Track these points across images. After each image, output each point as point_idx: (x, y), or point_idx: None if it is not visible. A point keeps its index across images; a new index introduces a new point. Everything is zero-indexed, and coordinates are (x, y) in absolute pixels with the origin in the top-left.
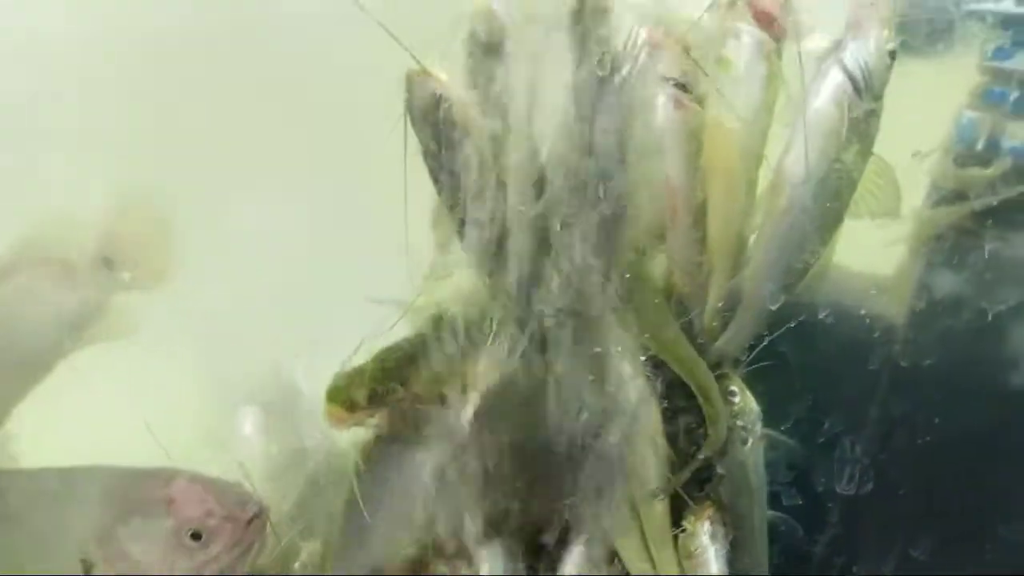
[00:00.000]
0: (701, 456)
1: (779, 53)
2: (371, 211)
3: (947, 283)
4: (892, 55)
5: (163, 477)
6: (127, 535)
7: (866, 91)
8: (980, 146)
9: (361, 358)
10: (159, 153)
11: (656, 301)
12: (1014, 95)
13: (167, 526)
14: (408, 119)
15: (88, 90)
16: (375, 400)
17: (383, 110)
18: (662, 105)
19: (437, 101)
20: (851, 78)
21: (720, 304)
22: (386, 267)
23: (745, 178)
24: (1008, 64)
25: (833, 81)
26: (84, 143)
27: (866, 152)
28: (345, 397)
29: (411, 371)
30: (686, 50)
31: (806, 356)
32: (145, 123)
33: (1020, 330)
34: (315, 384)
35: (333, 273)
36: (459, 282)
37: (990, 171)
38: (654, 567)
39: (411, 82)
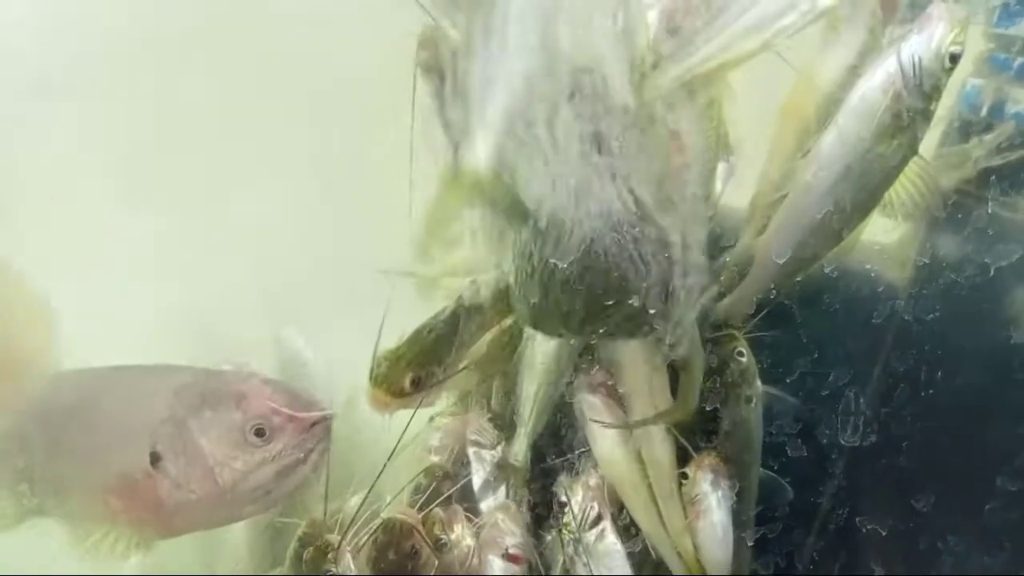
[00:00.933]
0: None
1: (883, 32)
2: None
3: (950, 242)
4: (953, 59)
5: (240, 375)
6: (197, 426)
7: (916, 87)
8: (984, 112)
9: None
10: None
11: None
12: (1018, 61)
13: (235, 419)
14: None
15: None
16: (417, 384)
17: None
18: None
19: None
20: (903, 70)
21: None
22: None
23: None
24: (1012, 30)
25: (885, 69)
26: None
27: (908, 149)
28: (391, 383)
29: (445, 352)
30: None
31: (812, 313)
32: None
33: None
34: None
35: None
36: (466, 252)
37: (992, 136)
38: (661, 518)
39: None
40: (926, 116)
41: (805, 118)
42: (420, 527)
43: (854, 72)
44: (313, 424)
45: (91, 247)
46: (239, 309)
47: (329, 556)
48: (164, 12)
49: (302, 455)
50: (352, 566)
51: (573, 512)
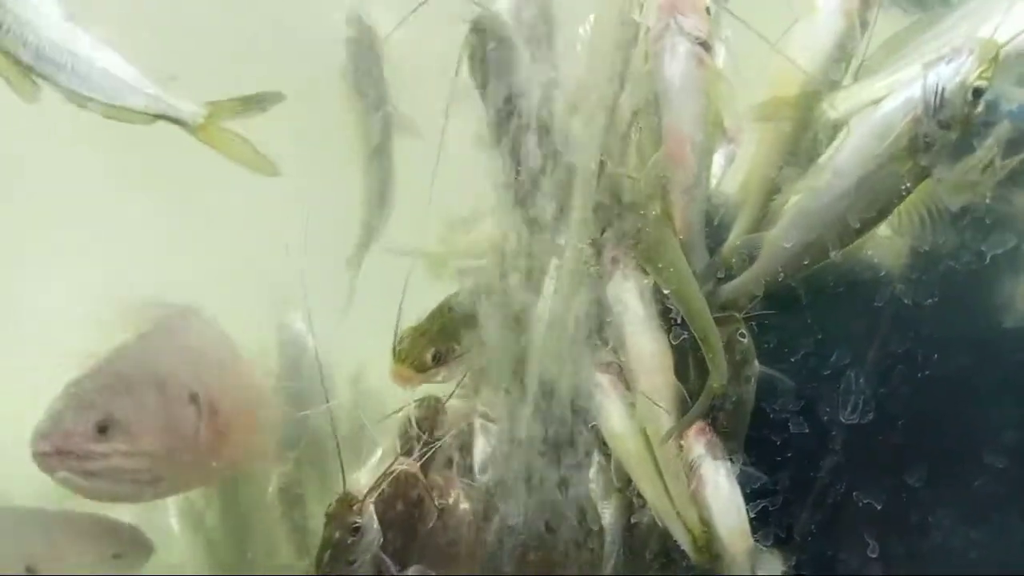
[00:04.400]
0: (704, 400)
1: (863, 18)
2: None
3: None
4: (977, 93)
5: None
6: None
7: (935, 115)
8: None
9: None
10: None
11: (670, 240)
12: None
13: None
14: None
15: None
16: (438, 360)
17: None
18: (684, 59)
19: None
20: (924, 97)
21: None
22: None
23: (791, 130)
24: None
25: (908, 93)
26: None
27: (922, 172)
28: (414, 358)
29: (465, 329)
30: (707, 10)
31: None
32: None
33: (1012, 275)
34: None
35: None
36: (478, 233)
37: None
38: (670, 498)
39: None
40: (944, 144)
41: (788, 106)
42: (422, 477)
43: (832, 58)
44: None
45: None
46: (243, 291)
47: (353, 508)
48: None
49: None
50: (375, 519)
51: None
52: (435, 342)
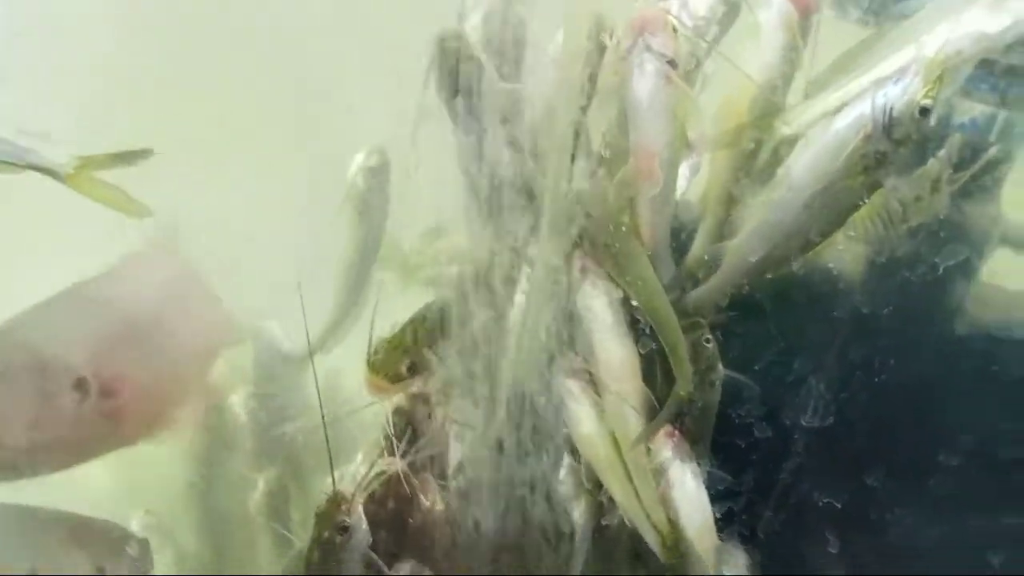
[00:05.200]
0: (671, 406)
1: (804, 28)
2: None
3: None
4: (923, 111)
5: None
6: None
7: (884, 132)
8: (932, 123)
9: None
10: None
11: (639, 254)
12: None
13: None
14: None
15: None
16: (413, 370)
17: None
18: (652, 77)
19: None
20: (874, 115)
21: (703, 255)
22: None
23: (747, 141)
24: None
25: (859, 110)
26: None
27: (872, 185)
28: (388, 369)
29: (439, 339)
30: (675, 30)
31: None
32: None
33: (964, 284)
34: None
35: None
36: (453, 240)
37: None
38: (639, 500)
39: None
40: (895, 160)
41: (740, 116)
42: (411, 475)
43: (778, 71)
44: None
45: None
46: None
47: (343, 508)
48: None
49: None
50: (364, 518)
51: None
52: (409, 353)
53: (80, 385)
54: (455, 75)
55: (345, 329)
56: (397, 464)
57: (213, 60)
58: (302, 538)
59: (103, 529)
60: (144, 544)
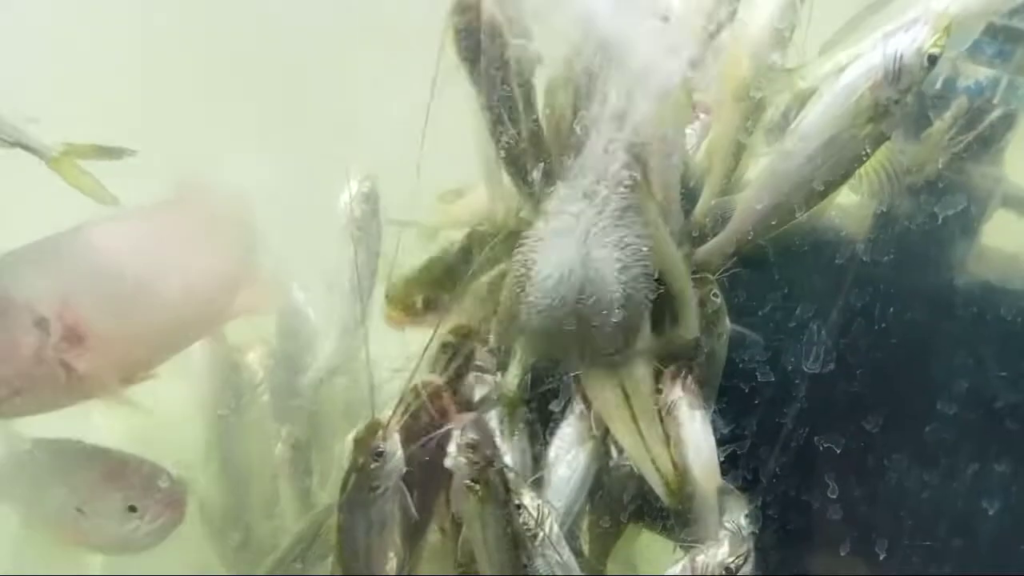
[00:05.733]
0: (668, 342)
1: None
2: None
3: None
4: (931, 59)
5: None
6: None
7: (894, 81)
8: (939, 85)
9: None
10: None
11: (651, 207)
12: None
13: None
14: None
15: None
16: (429, 306)
17: None
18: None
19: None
20: (884, 65)
21: (712, 203)
22: None
23: (753, 90)
24: None
25: (869, 60)
26: None
27: (880, 136)
28: (404, 302)
29: (456, 279)
30: None
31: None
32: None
33: (963, 240)
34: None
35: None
36: (471, 202)
37: (949, 114)
38: (644, 442)
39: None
40: (901, 107)
41: (741, 76)
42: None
43: (777, 31)
44: None
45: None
46: None
47: (379, 434)
48: None
49: None
50: (399, 446)
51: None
52: (425, 289)
53: (40, 324)
54: (475, 38)
55: (347, 354)
56: (437, 381)
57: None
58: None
59: (135, 467)
60: (176, 480)
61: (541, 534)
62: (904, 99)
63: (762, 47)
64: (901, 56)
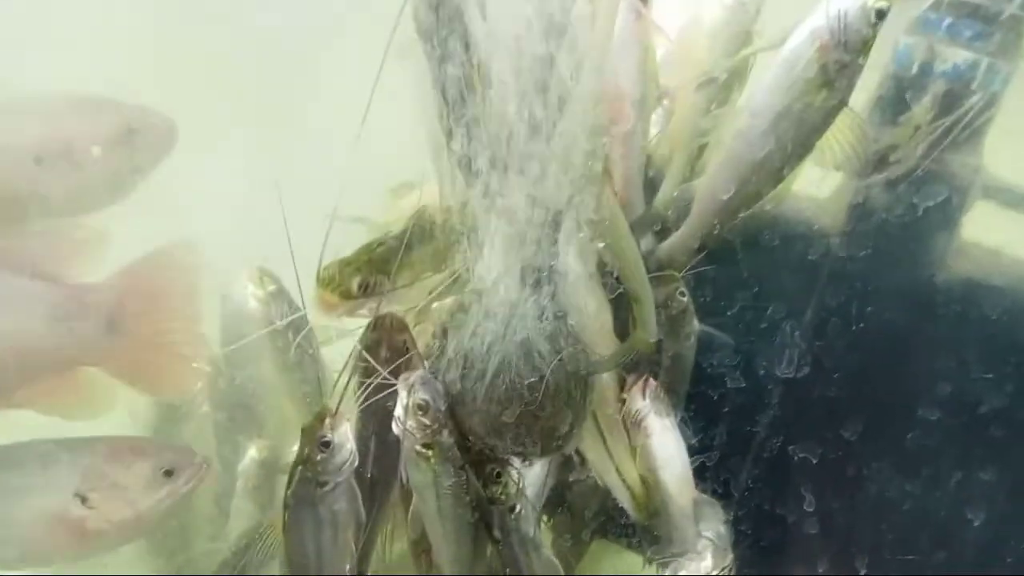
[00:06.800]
0: (626, 348)
1: None
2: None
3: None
4: (879, 14)
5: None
6: None
7: (842, 42)
8: (915, 70)
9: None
10: None
11: (608, 196)
12: (947, 21)
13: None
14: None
15: None
16: (364, 290)
17: None
18: (622, 13)
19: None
20: (829, 26)
21: (674, 194)
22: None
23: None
24: None
25: (812, 23)
26: None
27: (836, 102)
28: (338, 284)
29: (393, 264)
30: None
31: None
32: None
33: (942, 233)
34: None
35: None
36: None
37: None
38: (610, 454)
39: None
40: (854, 69)
41: (697, 59)
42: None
43: (732, 12)
44: None
45: None
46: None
47: (326, 423)
48: None
49: None
50: (351, 436)
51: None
52: (363, 271)
53: None
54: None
55: None
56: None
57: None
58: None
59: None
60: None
61: (519, 507)
62: (856, 61)
63: (722, 29)
64: (846, 14)
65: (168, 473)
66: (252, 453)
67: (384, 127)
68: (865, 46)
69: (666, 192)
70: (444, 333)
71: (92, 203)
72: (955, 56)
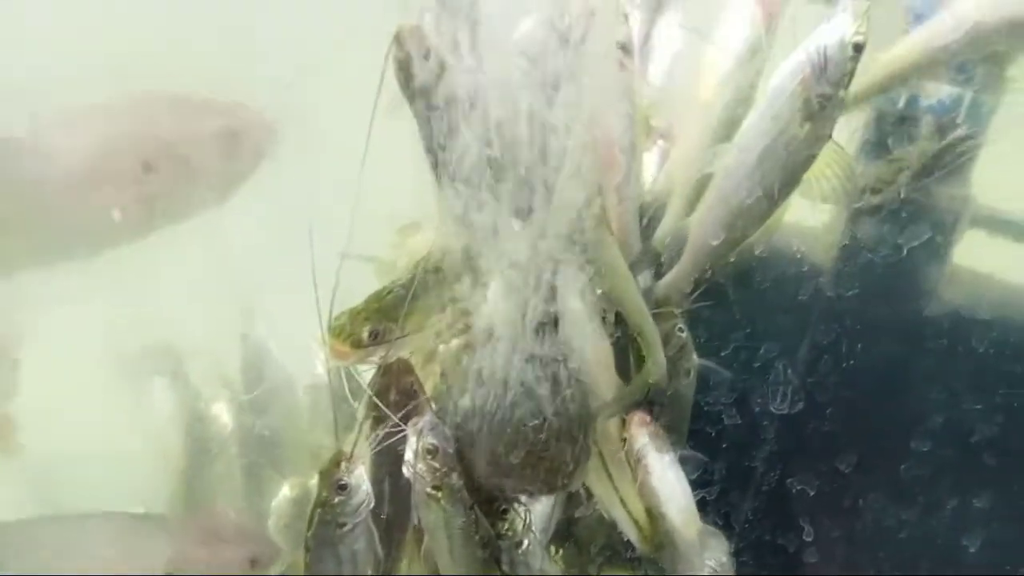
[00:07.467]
0: (637, 385)
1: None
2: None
3: (869, 225)
4: (856, 48)
5: None
6: None
7: (823, 76)
8: (901, 104)
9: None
10: None
11: (609, 244)
12: None
13: None
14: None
15: None
16: (375, 338)
17: None
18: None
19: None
20: (810, 60)
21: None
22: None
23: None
24: None
25: (795, 60)
26: None
27: (821, 135)
28: (349, 334)
29: (403, 311)
30: (624, 16)
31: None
32: None
33: (932, 266)
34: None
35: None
36: (428, 236)
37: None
38: (616, 488)
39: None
40: (835, 102)
41: (706, 101)
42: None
43: (740, 57)
44: None
45: None
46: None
47: (342, 467)
48: None
49: None
50: (366, 478)
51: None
52: (372, 320)
53: None
54: (412, 72)
55: None
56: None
57: None
58: None
59: (239, 523)
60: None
61: (526, 542)
62: (837, 93)
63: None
64: (826, 49)
65: (254, 562)
66: (285, 491)
67: (386, 170)
68: (845, 79)
69: (667, 227)
70: (450, 376)
71: (196, 208)
72: (939, 91)
